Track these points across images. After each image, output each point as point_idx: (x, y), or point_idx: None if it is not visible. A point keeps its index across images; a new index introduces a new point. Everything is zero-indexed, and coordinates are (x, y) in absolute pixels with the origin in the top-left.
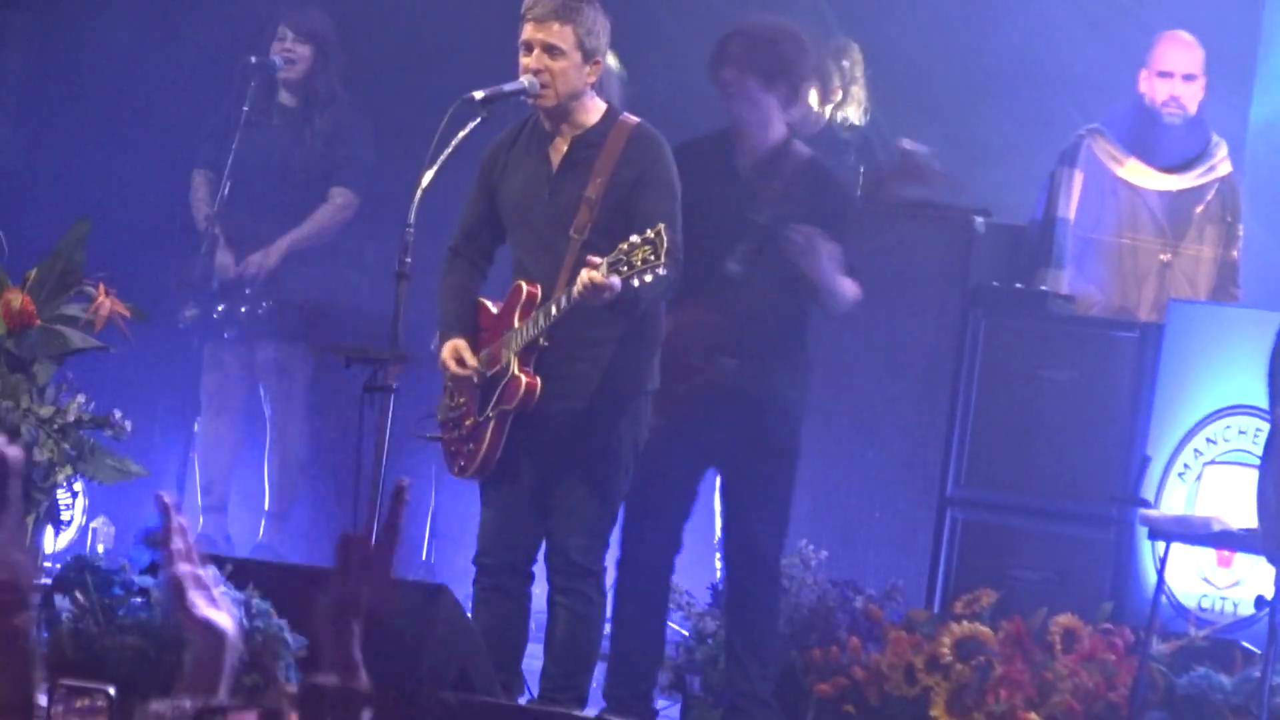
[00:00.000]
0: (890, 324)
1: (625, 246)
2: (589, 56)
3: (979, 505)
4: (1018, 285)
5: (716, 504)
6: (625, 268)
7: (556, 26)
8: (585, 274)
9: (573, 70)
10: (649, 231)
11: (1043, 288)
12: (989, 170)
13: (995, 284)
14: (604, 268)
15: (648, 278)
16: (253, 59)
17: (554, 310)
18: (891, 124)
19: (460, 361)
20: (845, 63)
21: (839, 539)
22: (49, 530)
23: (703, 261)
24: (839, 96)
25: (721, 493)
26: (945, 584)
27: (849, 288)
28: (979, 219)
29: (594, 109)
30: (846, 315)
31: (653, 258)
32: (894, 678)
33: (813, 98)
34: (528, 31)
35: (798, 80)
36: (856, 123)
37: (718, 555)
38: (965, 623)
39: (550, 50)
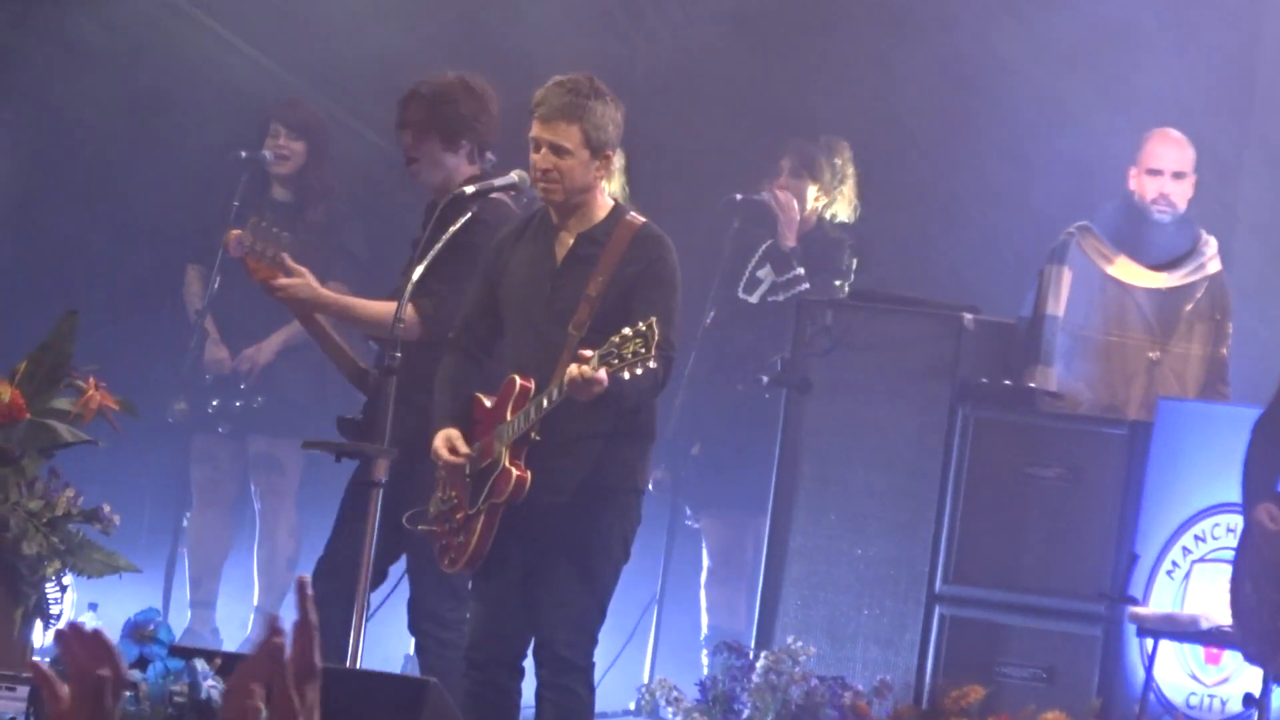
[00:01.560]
0: (878, 420)
1: (617, 340)
2: (597, 152)
3: (967, 602)
4: (1006, 382)
5: (702, 599)
6: (616, 360)
7: (563, 126)
8: (574, 368)
9: (579, 168)
10: (640, 325)
11: (1031, 385)
12: (978, 267)
13: (984, 380)
14: (594, 360)
15: (638, 370)
16: (243, 154)
17: (544, 403)
18: (880, 222)
19: (453, 450)
20: (836, 160)
21: (826, 636)
22: (38, 624)
23: None
24: (828, 197)
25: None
26: (934, 680)
27: None
28: (968, 316)
29: (601, 205)
30: (837, 411)
31: (643, 350)
32: None
33: (810, 194)
34: (535, 129)
35: (483, 134)
36: (847, 220)
37: (704, 651)
38: (954, 719)
39: (556, 150)
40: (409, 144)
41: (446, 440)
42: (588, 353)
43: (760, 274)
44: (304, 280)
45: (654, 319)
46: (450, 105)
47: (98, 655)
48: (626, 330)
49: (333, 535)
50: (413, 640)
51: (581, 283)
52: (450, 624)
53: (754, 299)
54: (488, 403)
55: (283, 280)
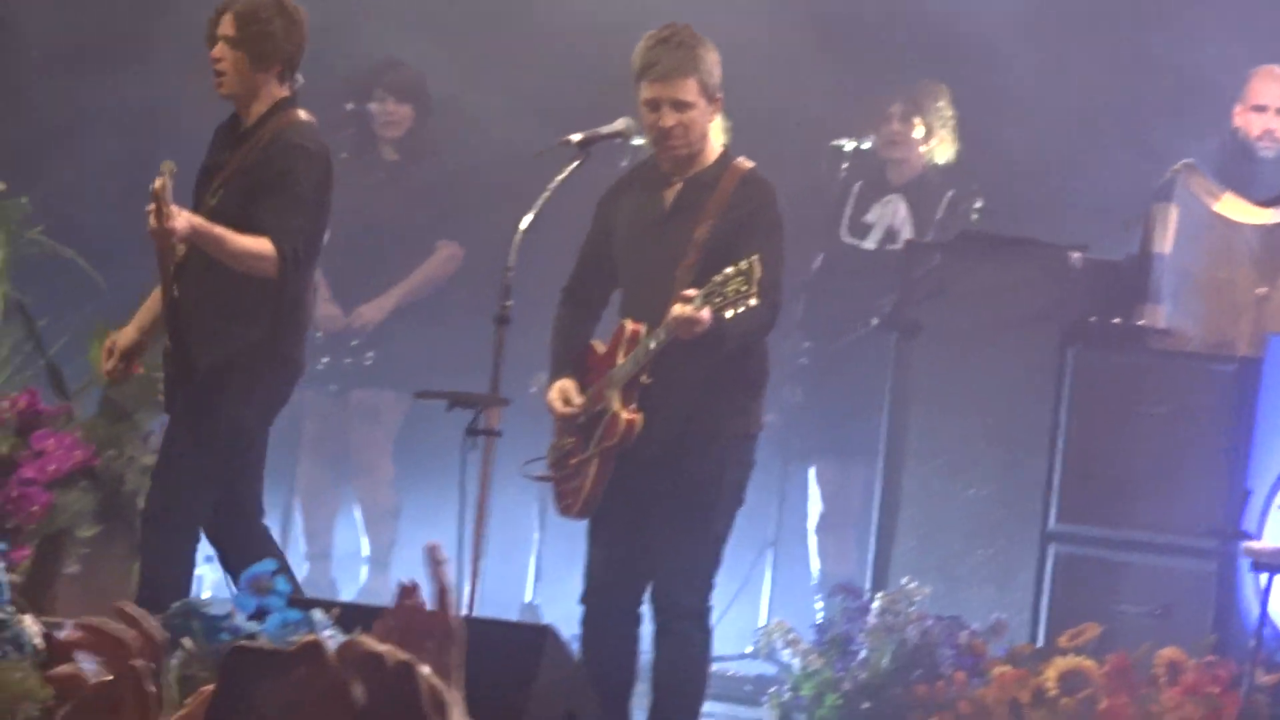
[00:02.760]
0: (987, 361)
1: (719, 279)
2: (711, 97)
3: (1080, 540)
4: (1115, 321)
5: (812, 544)
6: (718, 299)
7: (680, 81)
8: (678, 307)
9: (700, 118)
10: (742, 263)
11: (1140, 323)
12: (1085, 206)
13: (1092, 319)
14: (697, 300)
15: (740, 308)
16: (349, 106)
17: (652, 345)
18: (987, 164)
19: (566, 401)
20: (939, 104)
21: (941, 576)
22: None
23: None
24: (936, 136)
25: None
26: (1049, 619)
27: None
28: (1075, 255)
29: (710, 150)
30: (946, 354)
31: (745, 289)
32: (999, 711)
33: (916, 130)
34: (653, 90)
35: (293, 56)
36: (948, 162)
37: (817, 596)
38: (1070, 656)
39: (679, 106)
40: (218, 59)
41: (561, 392)
42: (690, 292)
43: (868, 219)
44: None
45: (755, 257)
46: (263, 25)
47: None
48: (728, 269)
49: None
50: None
51: (689, 228)
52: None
53: (869, 244)
54: (600, 349)
55: (174, 212)
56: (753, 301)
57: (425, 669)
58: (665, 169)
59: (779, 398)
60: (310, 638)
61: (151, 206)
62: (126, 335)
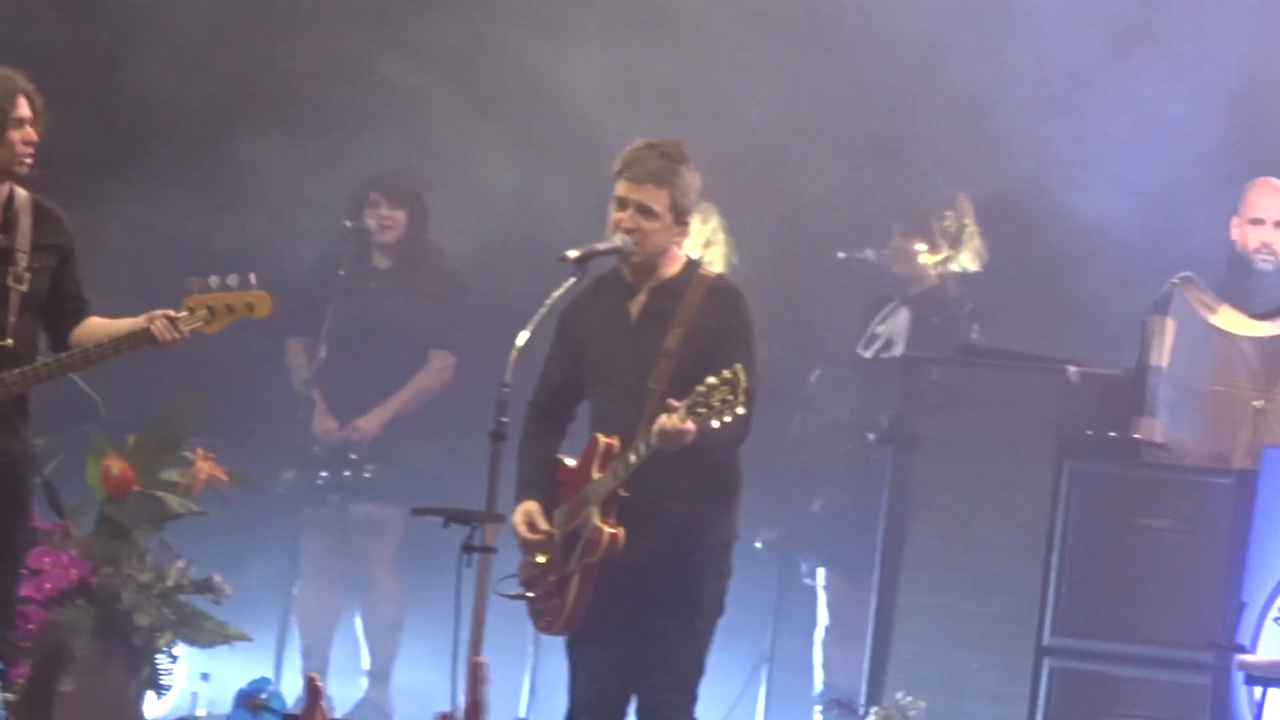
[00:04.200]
0: (986, 474)
1: (703, 389)
2: (680, 218)
3: (1076, 654)
4: (1112, 434)
5: (817, 656)
6: (703, 409)
7: (653, 189)
8: (664, 418)
9: (662, 232)
10: (725, 372)
11: (1137, 436)
12: (1083, 320)
13: (1090, 433)
14: (682, 410)
15: (726, 418)
16: (348, 223)
17: (632, 458)
18: (989, 276)
19: (531, 526)
20: (949, 214)
21: (938, 690)
22: (150, 694)
23: None
24: (944, 251)
25: None
26: None
27: None
28: (1072, 369)
29: (675, 260)
30: (944, 467)
31: (731, 398)
32: None
33: (919, 252)
34: (624, 189)
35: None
36: (974, 269)
37: (816, 708)
38: None
39: (644, 211)
40: None
41: (526, 515)
42: (675, 403)
43: (879, 330)
44: None
45: (739, 365)
46: None
47: None
48: (712, 379)
49: None
50: None
51: (659, 337)
52: None
53: (866, 354)
54: (571, 464)
55: None
56: (740, 411)
57: None
58: (629, 278)
59: (791, 505)
60: None
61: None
62: None
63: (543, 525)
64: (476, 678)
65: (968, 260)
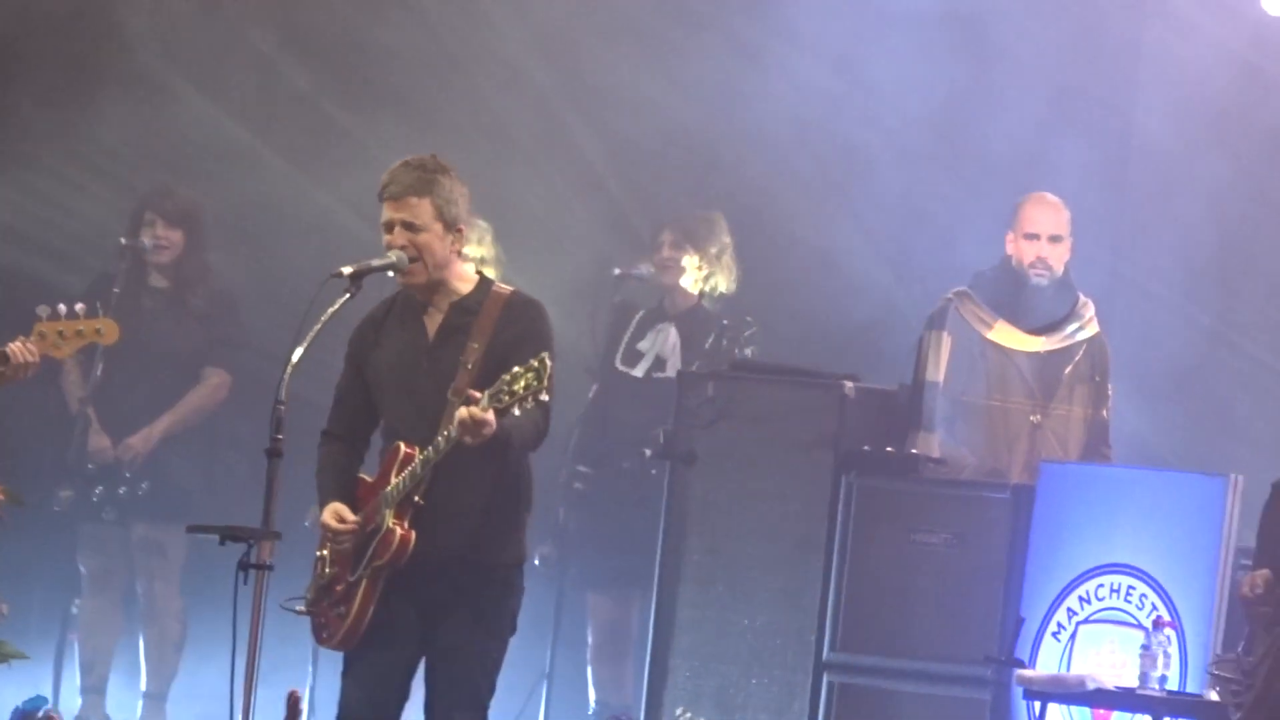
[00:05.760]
0: (763, 490)
1: (507, 377)
2: (450, 226)
3: (855, 669)
4: (889, 449)
5: (589, 674)
6: (506, 396)
7: (413, 201)
8: (464, 409)
9: (436, 241)
10: (533, 360)
11: (914, 451)
12: (858, 336)
13: (866, 448)
14: (485, 400)
15: (528, 404)
16: (123, 240)
17: (431, 454)
18: (754, 299)
19: (340, 519)
20: (714, 231)
21: (716, 706)
22: None
23: None
24: (710, 268)
25: None
26: None
27: None
28: (848, 384)
29: (466, 277)
30: (721, 482)
31: (536, 383)
32: None
33: (687, 258)
34: (387, 211)
35: None
36: (727, 291)
37: None
38: None
39: (410, 227)
40: None
41: (334, 513)
42: (477, 394)
43: (641, 346)
44: None
45: (545, 354)
46: None
47: None
48: (517, 368)
49: None
50: None
51: (458, 352)
52: None
53: (637, 373)
54: (369, 479)
55: None
56: (544, 397)
57: None
58: (420, 298)
59: (557, 525)
60: None
61: None
62: None
63: (351, 518)
64: (294, 709)
65: (723, 280)
